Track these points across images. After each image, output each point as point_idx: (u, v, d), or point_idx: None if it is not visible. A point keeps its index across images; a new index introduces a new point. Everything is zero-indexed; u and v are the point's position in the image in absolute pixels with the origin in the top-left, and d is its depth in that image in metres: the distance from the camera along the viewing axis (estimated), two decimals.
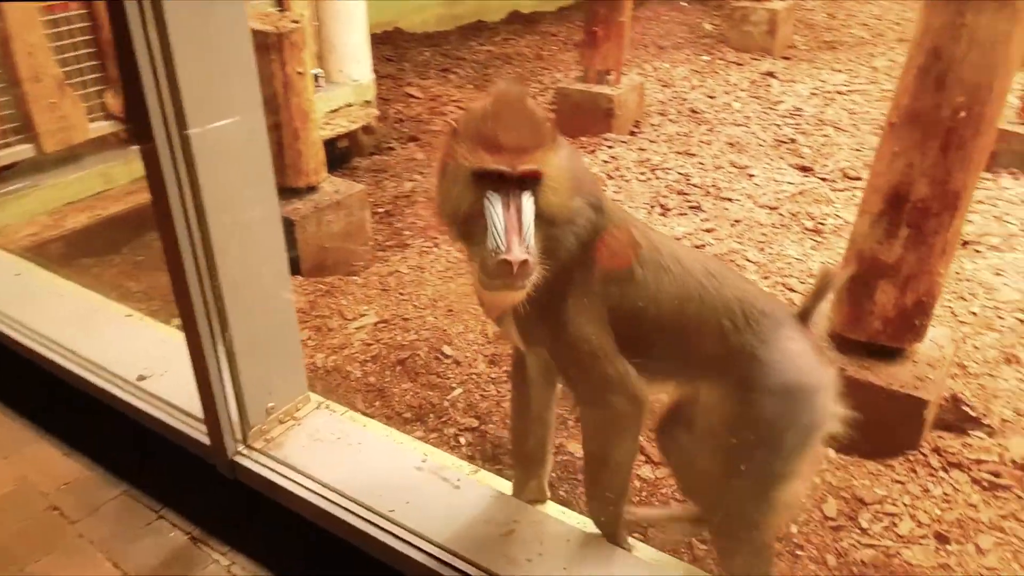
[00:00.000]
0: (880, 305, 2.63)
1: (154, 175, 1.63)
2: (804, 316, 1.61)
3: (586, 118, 5.16)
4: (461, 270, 3.70)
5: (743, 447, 1.52)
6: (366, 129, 5.13)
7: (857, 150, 4.85)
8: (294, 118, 3.67)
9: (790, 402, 1.53)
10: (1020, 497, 2.41)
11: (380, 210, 4.40)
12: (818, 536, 2.31)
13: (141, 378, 2.17)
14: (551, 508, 1.84)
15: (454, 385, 2.94)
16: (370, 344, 3.18)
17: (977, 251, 3.74)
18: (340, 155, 4.91)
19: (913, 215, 2.50)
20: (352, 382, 3.01)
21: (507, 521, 1.73)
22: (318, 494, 1.81)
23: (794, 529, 2.33)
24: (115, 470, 2.28)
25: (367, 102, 5.17)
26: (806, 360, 1.55)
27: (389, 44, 6.99)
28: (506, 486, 1.93)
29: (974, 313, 3.29)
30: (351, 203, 3.99)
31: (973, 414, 2.78)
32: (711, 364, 1.54)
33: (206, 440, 1.95)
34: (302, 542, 1.92)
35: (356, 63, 5.07)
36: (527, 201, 1.31)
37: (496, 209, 1.29)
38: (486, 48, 7.18)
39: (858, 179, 4.45)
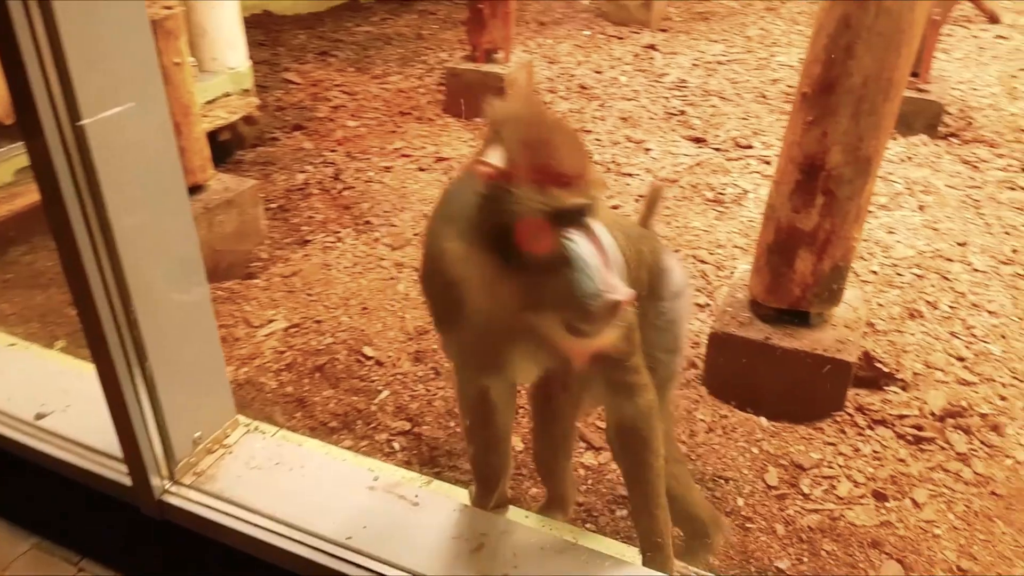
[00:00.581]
0: (799, 273, 2.68)
1: (45, 176, 1.41)
2: (644, 223, 1.77)
3: (478, 99, 5.04)
4: (370, 264, 3.54)
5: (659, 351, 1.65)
6: (247, 119, 4.82)
7: (744, 119, 4.97)
8: (174, 113, 3.34)
9: (685, 299, 1.72)
10: (944, 448, 2.52)
11: (273, 205, 4.15)
12: (764, 506, 2.33)
13: (39, 416, 1.93)
14: (513, 513, 1.76)
15: (380, 388, 2.80)
16: (283, 351, 2.99)
17: (868, 211, 3.90)
18: (222, 149, 4.59)
19: (828, 183, 2.55)
20: (267, 394, 2.81)
21: (475, 535, 1.64)
22: (264, 528, 1.66)
23: (740, 502, 2.35)
24: (21, 523, 2.03)
25: (246, 91, 4.86)
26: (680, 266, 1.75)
27: (260, 28, 6.62)
28: (462, 494, 1.83)
29: (875, 272, 3.43)
30: (242, 200, 3.74)
31: (886, 370, 2.89)
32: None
33: (127, 481, 1.74)
34: None
35: (231, 49, 4.75)
36: (599, 228, 1.16)
37: (583, 248, 1.13)
38: (364, 29, 6.92)
39: (749, 147, 4.56)
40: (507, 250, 1.14)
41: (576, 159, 1.16)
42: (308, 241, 3.82)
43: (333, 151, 4.67)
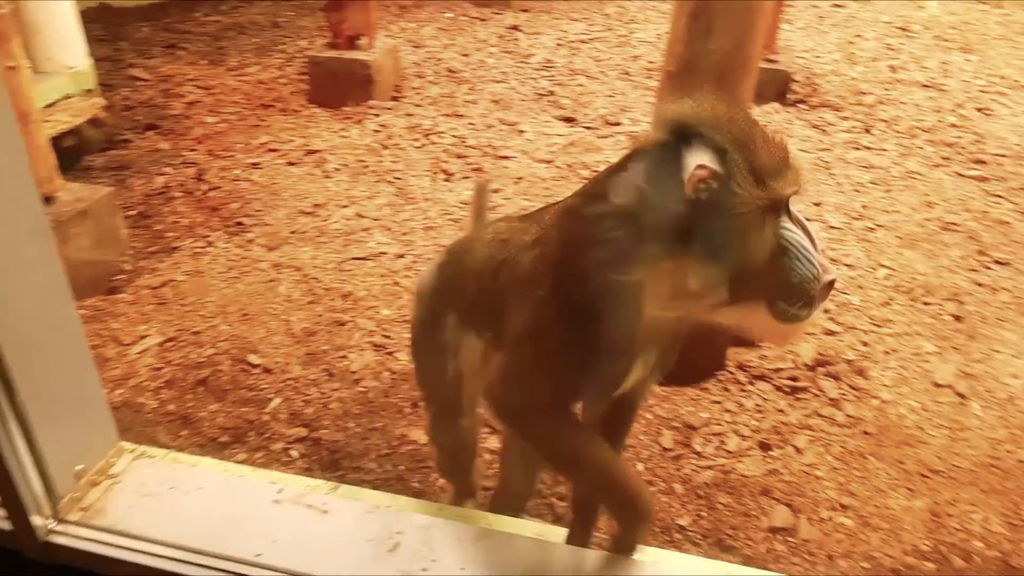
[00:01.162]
0: None
1: None
2: (476, 226, 1.83)
3: (344, 87, 4.93)
4: (246, 268, 3.41)
5: None
6: (93, 122, 4.51)
7: (610, 96, 5.09)
8: None
9: None
10: (817, 395, 2.70)
11: (132, 213, 3.92)
12: (662, 468, 2.43)
13: None
14: (427, 507, 1.75)
15: (270, 396, 2.72)
16: (160, 368, 2.84)
17: None
18: (68, 155, 4.28)
19: None
20: (148, 415, 2.68)
21: (389, 535, 1.62)
22: (166, 557, 1.57)
23: (640, 467, 2.43)
24: None
25: (89, 91, 4.54)
26: None
27: (99, 23, 6.19)
28: (372, 496, 1.81)
29: None
30: (98, 210, 3.51)
31: None
32: None
33: (6, 525, 1.61)
34: None
35: (68, 47, 4.42)
36: (800, 213, 1.17)
37: (800, 236, 1.13)
38: (213, 19, 6.60)
39: (618, 124, 4.68)
40: (721, 250, 1.12)
41: (782, 149, 1.15)
42: (176, 248, 3.63)
43: (193, 150, 4.45)
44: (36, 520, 1.61)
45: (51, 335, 1.58)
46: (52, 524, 1.65)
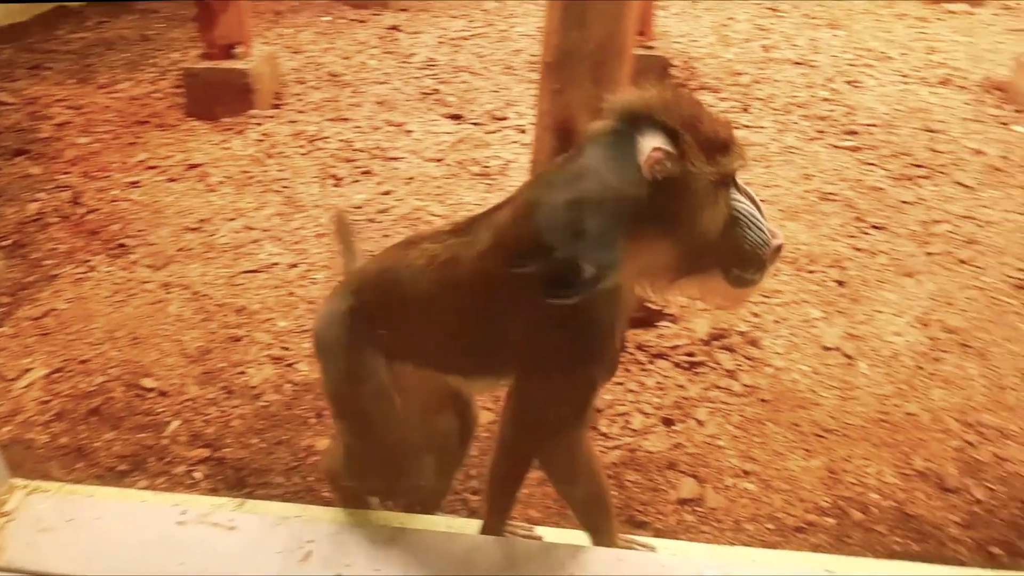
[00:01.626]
0: None
1: None
2: (349, 260, 1.83)
3: (223, 98, 4.79)
4: (132, 290, 3.28)
5: None
6: None
7: (495, 91, 5.13)
8: None
9: None
10: (714, 368, 2.80)
11: (6, 243, 3.70)
12: None
13: None
14: (342, 514, 1.74)
15: (168, 419, 2.62)
16: (48, 400, 2.70)
17: None
18: None
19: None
20: (39, 450, 2.54)
21: (300, 544, 1.60)
22: None
23: None
24: None
25: None
26: None
27: None
28: (279, 508, 1.78)
29: None
30: None
31: (655, 307, 3.16)
32: None
33: None
34: None
35: None
36: (744, 184, 1.27)
37: (747, 204, 1.23)
38: (78, 36, 6.30)
39: (505, 119, 4.72)
40: (681, 225, 1.20)
41: (726, 127, 1.23)
42: (55, 276, 3.45)
43: (67, 173, 4.23)
44: None
45: None
46: None
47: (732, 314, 3.07)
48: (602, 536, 1.64)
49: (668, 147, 1.18)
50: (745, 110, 4.88)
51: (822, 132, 4.61)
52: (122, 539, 1.59)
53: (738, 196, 1.25)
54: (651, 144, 1.18)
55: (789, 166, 4.23)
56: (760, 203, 1.28)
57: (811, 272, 3.36)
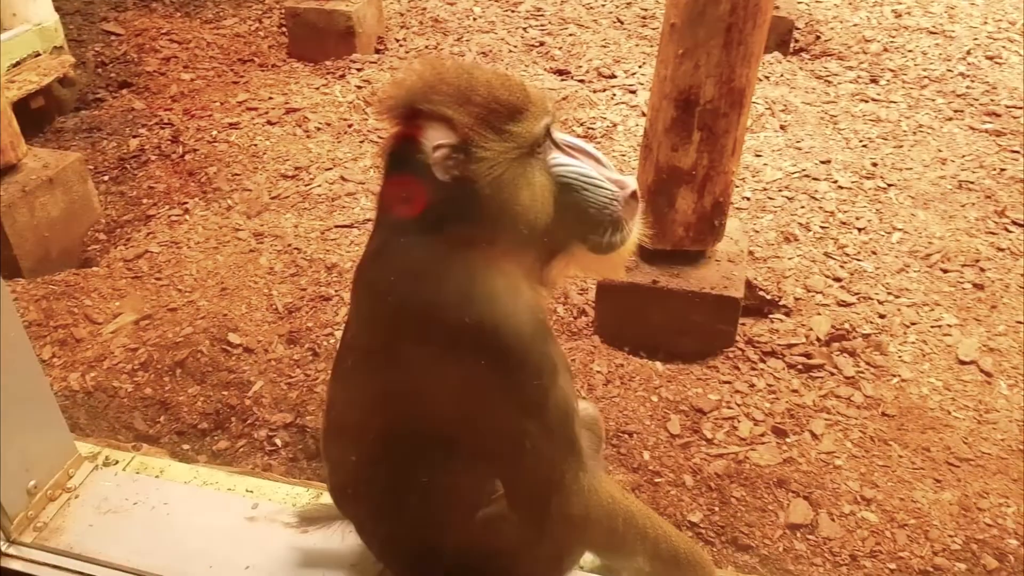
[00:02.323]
0: (681, 212, 2.60)
1: None
2: None
3: (326, 40, 4.67)
4: (225, 237, 3.22)
5: None
6: (63, 81, 4.27)
7: (604, 47, 4.83)
8: None
9: None
10: (833, 373, 2.54)
11: (105, 178, 3.71)
12: (670, 457, 2.29)
13: None
14: None
15: (252, 379, 2.55)
16: (135, 348, 2.67)
17: None
18: (37, 117, 4.05)
19: (704, 117, 2.45)
20: (123, 399, 2.52)
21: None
22: None
23: (647, 455, 2.29)
24: None
25: (58, 48, 4.29)
26: None
27: None
28: None
29: (747, 198, 3.42)
30: (67, 177, 3.30)
31: (769, 297, 2.90)
32: None
33: None
34: None
35: (34, 1, 4.16)
36: (566, 136, 1.10)
37: (571, 161, 1.07)
38: None
39: (613, 77, 4.44)
40: (508, 214, 1.02)
41: (511, 86, 1.05)
42: (151, 216, 3.43)
43: (169, 110, 4.21)
44: None
45: None
46: (4, 546, 1.50)
47: (853, 313, 2.78)
48: None
49: (448, 139, 1.01)
50: (874, 81, 4.45)
51: (959, 112, 4.15)
52: (186, 531, 1.50)
53: (559, 158, 1.07)
54: (433, 141, 1.01)
55: (921, 147, 3.83)
56: (596, 153, 1.10)
57: (945, 271, 3.02)
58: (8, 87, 3.77)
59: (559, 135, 1.10)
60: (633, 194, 1.08)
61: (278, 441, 2.38)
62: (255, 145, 3.87)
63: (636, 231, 1.11)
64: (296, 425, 2.42)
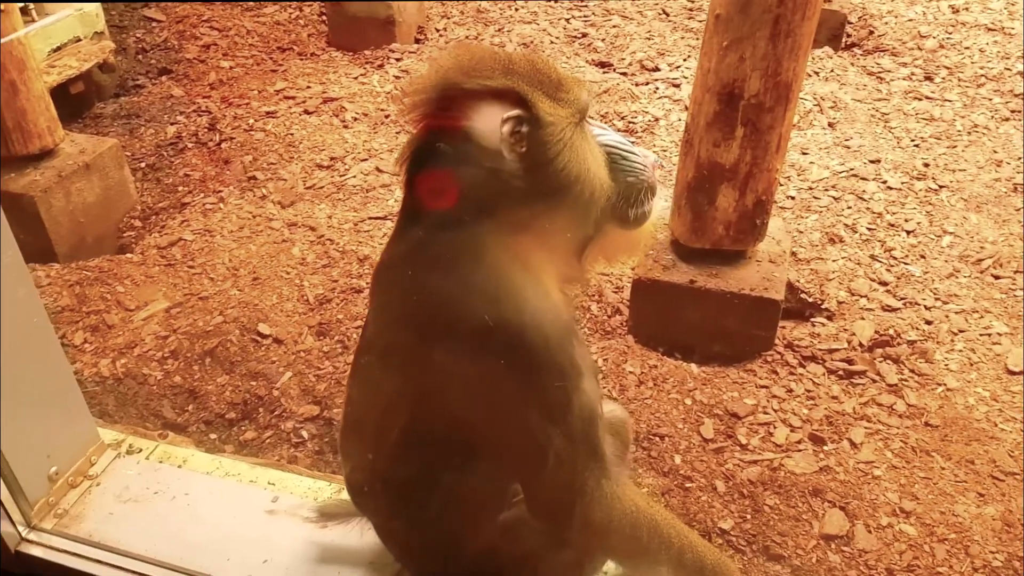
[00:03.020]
0: (722, 210, 2.53)
1: None
2: None
3: (365, 29, 4.64)
4: (258, 227, 3.21)
5: None
6: (103, 67, 4.30)
7: (648, 39, 4.73)
8: (7, 67, 2.91)
9: None
10: (875, 381, 2.45)
11: (142, 165, 3.72)
12: (702, 462, 2.22)
13: None
14: None
15: (281, 369, 2.53)
16: (166, 336, 2.66)
17: None
18: (76, 103, 4.09)
19: (748, 112, 2.37)
20: (152, 387, 2.51)
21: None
22: (143, 575, 1.41)
23: (678, 459, 2.22)
24: None
25: (99, 33, 4.32)
26: None
27: None
28: None
29: (792, 197, 3.32)
30: (104, 163, 3.31)
31: (811, 300, 2.81)
32: None
33: None
34: None
35: None
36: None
37: (609, 134, 1.09)
38: None
39: (656, 70, 4.35)
40: (572, 183, 1.02)
41: (542, 59, 1.05)
42: (186, 204, 3.44)
43: (207, 97, 4.22)
44: (6, 527, 1.45)
45: (12, 327, 1.38)
46: (25, 531, 1.49)
47: (899, 319, 2.68)
48: None
49: (513, 112, 0.98)
50: (928, 79, 4.30)
51: (1016, 112, 3.99)
52: (206, 523, 1.48)
53: (599, 128, 1.09)
54: (498, 116, 0.97)
55: (976, 148, 3.69)
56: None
57: (996, 278, 2.90)
58: (48, 72, 3.80)
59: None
60: (655, 163, 1.11)
61: (304, 433, 2.36)
62: (291, 134, 3.86)
63: (656, 209, 1.13)
64: (323, 418, 2.40)
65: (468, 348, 0.99)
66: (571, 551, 1.23)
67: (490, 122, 0.98)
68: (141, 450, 1.67)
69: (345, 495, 1.52)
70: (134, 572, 1.42)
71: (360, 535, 1.41)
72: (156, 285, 2.90)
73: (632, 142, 1.11)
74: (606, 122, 3.81)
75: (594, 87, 0.99)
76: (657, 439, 2.29)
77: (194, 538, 1.45)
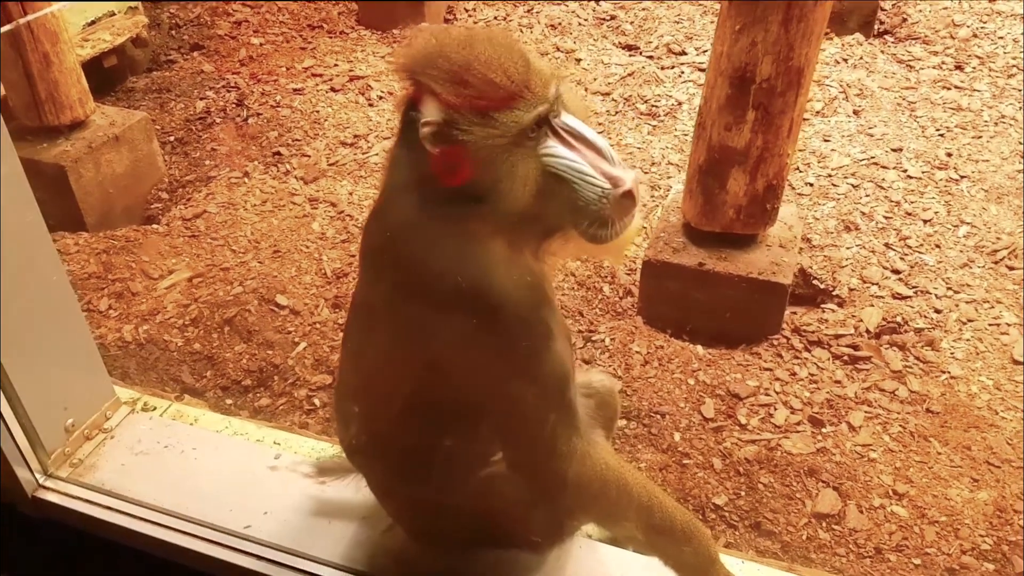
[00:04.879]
0: (732, 194, 2.55)
1: None
2: None
3: (395, 8, 4.68)
4: (281, 201, 3.29)
5: None
6: (136, 41, 4.40)
7: (677, 22, 4.72)
8: (41, 40, 3.02)
9: None
10: (879, 367, 2.46)
11: (171, 138, 3.82)
12: (701, 440, 2.26)
13: None
14: None
15: (296, 340, 2.62)
16: (187, 304, 2.76)
17: (804, 119, 3.75)
18: (108, 76, 4.20)
19: (759, 96, 2.38)
20: (173, 353, 2.61)
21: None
22: (151, 522, 1.49)
23: (677, 437, 2.27)
24: None
25: (133, 8, 4.41)
26: None
27: None
28: None
29: (810, 184, 3.32)
30: (133, 135, 3.41)
31: (822, 286, 2.82)
32: None
33: None
34: None
35: None
36: (573, 120, 1.05)
37: (564, 152, 1.02)
38: None
39: (683, 54, 4.35)
40: (492, 195, 1.00)
41: (512, 68, 1.00)
42: (212, 177, 3.53)
43: (236, 73, 4.30)
44: (23, 473, 1.54)
45: (32, 285, 1.47)
46: (41, 479, 1.58)
47: (908, 307, 2.69)
48: (688, 568, 1.27)
49: (435, 116, 0.99)
50: (959, 68, 4.23)
51: None
52: (210, 475, 1.56)
53: (554, 147, 1.03)
54: (425, 116, 1.00)
55: (1002, 139, 3.64)
56: (601, 144, 1.04)
57: (1011, 268, 2.88)
58: (82, 45, 3.90)
59: (566, 120, 1.05)
60: (627, 193, 1.02)
61: (316, 401, 2.44)
62: (317, 111, 3.93)
63: (631, 227, 1.07)
64: (334, 387, 2.47)
65: (430, 305, 1.05)
66: (549, 507, 1.29)
67: (424, 116, 1.00)
68: (155, 408, 1.76)
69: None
70: (142, 519, 1.50)
71: (356, 491, 1.49)
72: (180, 255, 3.00)
73: (588, 173, 1.03)
74: (628, 106, 3.83)
75: (560, 99, 0.97)
76: (658, 416, 2.33)
77: (199, 489, 1.53)
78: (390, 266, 1.09)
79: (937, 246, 2.96)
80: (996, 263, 2.89)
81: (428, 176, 1.02)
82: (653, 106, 3.87)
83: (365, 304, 1.20)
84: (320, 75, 4.27)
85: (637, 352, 2.55)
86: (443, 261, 1.03)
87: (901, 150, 3.51)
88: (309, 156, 3.61)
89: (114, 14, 4.25)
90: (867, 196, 3.23)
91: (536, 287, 1.09)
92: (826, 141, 3.58)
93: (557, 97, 1.04)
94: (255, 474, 1.57)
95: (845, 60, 4.27)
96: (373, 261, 1.16)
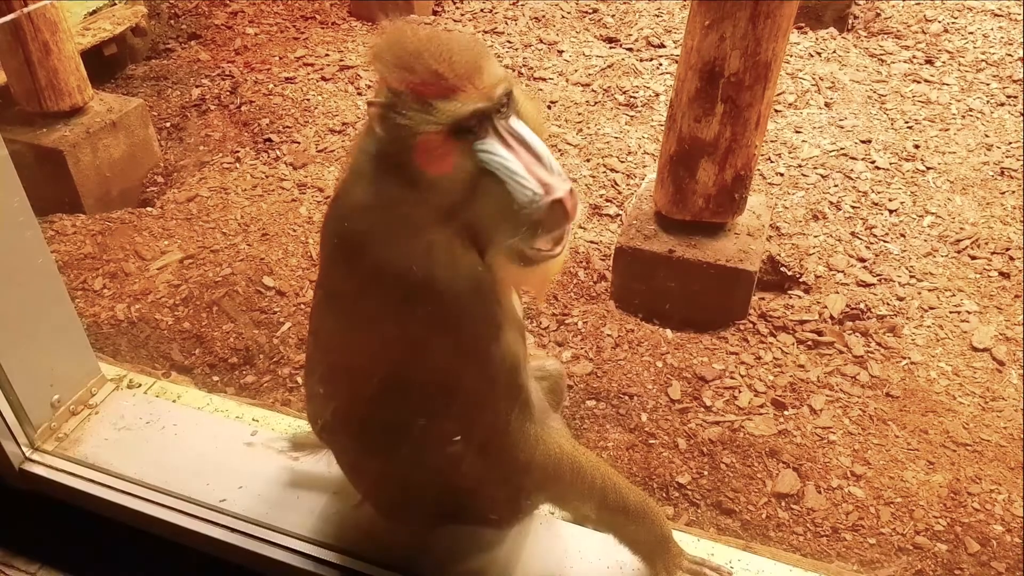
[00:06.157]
0: (702, 183, 2.63)
1: None
2: None
3: (385, 1, 4.76)
4: (270, 186, 3.38)
5: None
6: (136, 30, 4.48)
7: (657, 16, 4.78)
8: (41, 29, 3.10)
9: None
10: (842, 352, 2.56)
11: (167, 124, 3.91)
12: (667, 421, 2.36)
13: None
14: None
15: (282, 320, 2.72)
16: (178, 285, 2.86)
17: (776, 110, 3.84)
18: (108, 64, 4.28)
19: (728, 90, 2.47)
20: (163, 331, 2.71)
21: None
22: (133, 495, 1.59)
23: (644, 417, 2.37)
24: None
25: None
26: None
27: None
28: None
29: (781, 174, 3.41)
30: (130, 121, 3.50)
31: (789, 273, 2.91)
32: None
33: None
34: (124, 549, 1.70)
35: None
36: (520, 125, 1.06)
37: (500, 153, 1.03)
38: None
39: (662, 47, 4.42)
40: (422, 184, 1.04)
41: (460, 62, 1.03)
42: (205, 163, 3.62)
43: (231, 62, 4.39)
44: (11, 447, 1.64)
45: (17, 265, 1.56)
46: (28, 451, 1.68)
47: (871, 294, 2.78)
48: (642, 546, 1.38)
49: (379, 99, 1.05)
50: (929, 62, 4.30)
51: (1012, 97, 4.00)
52: (189, 451, 1.65)
53: (490, 145, 1.04)
54: (371, 97, 1.07)
55: (968, 132, 3.72)
56: (541, 150, 1.04)
57: (973, 258, 2.98)
58: (83, 34, 3.99)
59: (512, 123, 1.07)
60: (558, 202, 1.01)
61: (299, 379, 2.54)
62: (307, 100, 4.02)
63: (558, 256, 1.07)
64: None
65: (382, 288, 1.12)
66: (507, 488, 1.37)
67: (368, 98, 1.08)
68: (140, 385, 1.86)
69: None
70: (123, 492, 1.60)
71: (328, 467, 1.58)
72: (172, 237, 3.09)
73: (520, 175, 1.02)
74: (607, 97, 3.91)
75: (508, 101, 1.01)
76: (627, 398, 2.43)
77: (178, 464, 1.62)
78: (344, 248, 1.16)
79: (902, 235, 3.05)
80: (959, 252, 2.98)
81: (382, 162, 1.08)
82: (631, 97, 3.95)
83: (324, 285, 1.28)
84: (311, 64, 4.35)
85: (608, 335, 2.65)
86: (390, 245, 1.09)
87: (870, 142, 3.59)
88: (299, 143, 3.70)
89: (115, 3, 4.34)
90: (836, 186, 3.32)
91: (481, 279, 1.11)
92: (797, 132, 3.66)
93: (506, 100, 1.05)
94: (232, 450, 1.67)
95: (819, 54, 4.34)
96: (329, 242, 1.24)
